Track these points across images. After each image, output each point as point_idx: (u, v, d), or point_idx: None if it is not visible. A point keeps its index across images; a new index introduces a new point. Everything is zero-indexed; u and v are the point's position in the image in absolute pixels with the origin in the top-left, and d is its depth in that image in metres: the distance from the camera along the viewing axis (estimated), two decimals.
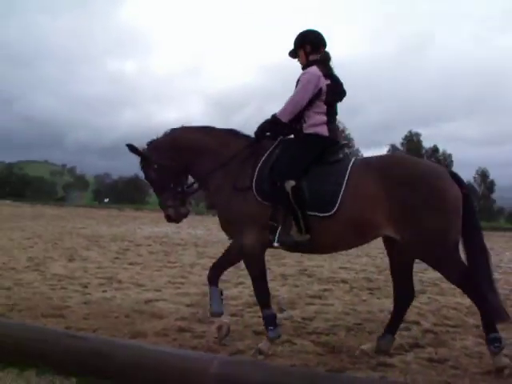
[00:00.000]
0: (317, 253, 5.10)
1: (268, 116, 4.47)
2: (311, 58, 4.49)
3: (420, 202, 3.90)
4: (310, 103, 4.33)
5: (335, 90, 4.46)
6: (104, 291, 6.69)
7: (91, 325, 4.95)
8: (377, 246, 14.65)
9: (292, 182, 4.05)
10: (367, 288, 7.58)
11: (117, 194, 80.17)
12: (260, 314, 5.76)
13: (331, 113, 4.45)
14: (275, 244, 4.17)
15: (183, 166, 4.64)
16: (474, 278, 3.95)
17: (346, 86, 4.57)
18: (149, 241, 13.81)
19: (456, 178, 4.09)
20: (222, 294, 4.64)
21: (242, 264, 9.04)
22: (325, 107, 4.38)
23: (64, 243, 12.55)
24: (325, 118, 4.37)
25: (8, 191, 76.09)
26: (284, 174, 4.13)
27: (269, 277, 8.23)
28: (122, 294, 6.53)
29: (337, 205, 4.02)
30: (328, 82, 4.37)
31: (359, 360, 4.15)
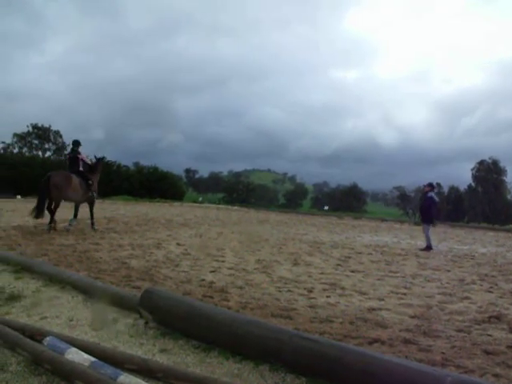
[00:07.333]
0: None
1: None
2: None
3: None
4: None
5: (69, 157, 15.60)
6: (328, 296, 6.85)
7: (317, 328, 5.09)
8: None
9: None
10: None
11: (335, 201, 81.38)
12: (490, 332, 5.36)
13: (71, 163, 14.90)
14: None
15: None
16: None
17: None
18: (369, 249, 13.74)
19: (49, 180, 13.42)
20: None
21: (467, 278, 8.47)
22: (68, 162, 15.69)
23: (288, 248, 13.04)
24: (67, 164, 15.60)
25: (235, 197, 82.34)
26: None
27: (497, 293, 7.58)
28: (346, 301, 6.62)
29: None
30: (68, 156, 15.90)
31: None
